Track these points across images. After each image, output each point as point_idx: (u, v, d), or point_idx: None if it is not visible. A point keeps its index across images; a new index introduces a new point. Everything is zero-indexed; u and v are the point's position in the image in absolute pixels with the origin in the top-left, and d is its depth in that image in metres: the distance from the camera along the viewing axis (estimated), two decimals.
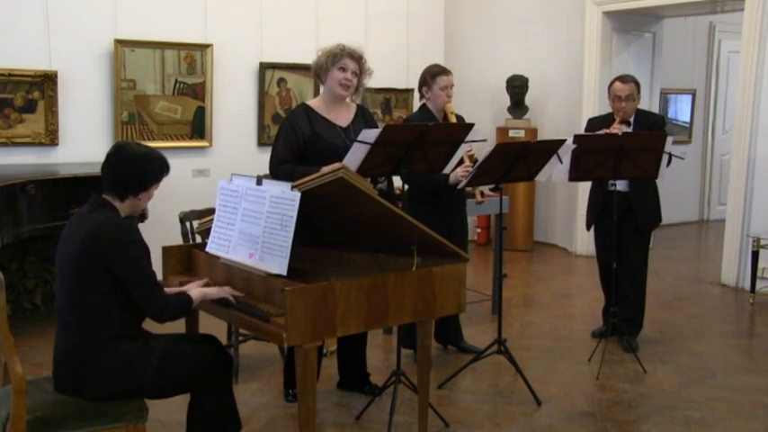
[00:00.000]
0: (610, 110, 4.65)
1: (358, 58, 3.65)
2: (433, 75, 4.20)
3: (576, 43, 7.51)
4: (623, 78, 4.55)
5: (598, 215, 4.64)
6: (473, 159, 4.02)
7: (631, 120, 4.54)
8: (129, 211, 2.76)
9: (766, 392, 4.02)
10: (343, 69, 3.61)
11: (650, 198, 4.61)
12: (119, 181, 2.69)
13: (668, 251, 7.84)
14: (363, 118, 3.79)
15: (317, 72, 3.69)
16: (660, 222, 4.74)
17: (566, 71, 7.68)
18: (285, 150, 3.59)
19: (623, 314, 4.64)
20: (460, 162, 3.92)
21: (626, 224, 4.57)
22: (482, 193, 4.27)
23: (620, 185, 4.51)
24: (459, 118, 4.26)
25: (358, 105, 3.84)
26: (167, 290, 2.83)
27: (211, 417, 2.81)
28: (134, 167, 2.70)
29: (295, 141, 3.58)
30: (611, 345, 4.51)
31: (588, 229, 4.83)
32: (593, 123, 4.69)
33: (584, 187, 7.20)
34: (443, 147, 3.57)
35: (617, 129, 4.38)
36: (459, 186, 4.00)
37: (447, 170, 3.77)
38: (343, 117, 3.72)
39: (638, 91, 4.54)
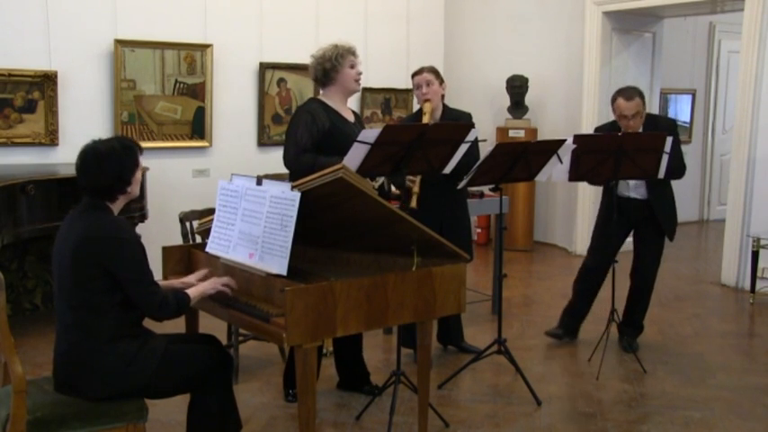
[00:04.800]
0: (610, 111, 4.60)
1: (356, 53, 3.75)
2: (411, 77, 4.28)
3: (576, 43, 7.51)
4: (627, 95, 4.32)
5: (607, 222, 4.53)
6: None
7: (640, 129, 4.42)
8: (122, 204, 2.75)
9: (766, 392, 4.02)
10: (354, 66, 3.70)
11: (670, 204, 4.56)
12: (101, 188, 2.66)
13: (668, 251, 7.74)
14: (357, 119, 3.88)
15: (328, 75, 3.68)
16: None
17: (566, 71, 7.68)
18: (306, 139, 3.57)
19: (626, 318, 4.66)
20: (434, 174, 3.90)
21: (644, 231, 4.57)
22: (418, 200, 3.99)
23: (637, 193, 4.49)
24: (465, 115, 4.24)
25: (351, 110, 3.89)
26: (164, 284, 2.83)
27: (211, 417, 2.81)
28: (107, 170, 2.64)
29: (316, 131, 3.59)
30: (611, 345, 4.51)
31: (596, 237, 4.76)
32: (602, 132, 4.59)
33: (585, 187, 7.24)
34: (443, 147, 3.58)
35: None
36: (460, 186, 4.00)
37: (447, 170, 3.77)
38: (348, 115, 3.79)
39: (643, 101, 4.37)
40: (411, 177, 3.92)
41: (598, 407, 3.82)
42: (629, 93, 4.35)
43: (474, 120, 4.14)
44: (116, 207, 2.71)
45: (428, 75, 4.19)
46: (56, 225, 4.45)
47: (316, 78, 3.78)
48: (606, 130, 4.55)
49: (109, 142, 2.74)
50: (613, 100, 4.42)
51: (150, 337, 2.73)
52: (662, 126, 4.48)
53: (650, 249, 4.60)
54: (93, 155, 2.67)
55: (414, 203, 3.89)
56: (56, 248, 2.68)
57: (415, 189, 3.94)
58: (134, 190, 2.75)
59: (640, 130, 4.39)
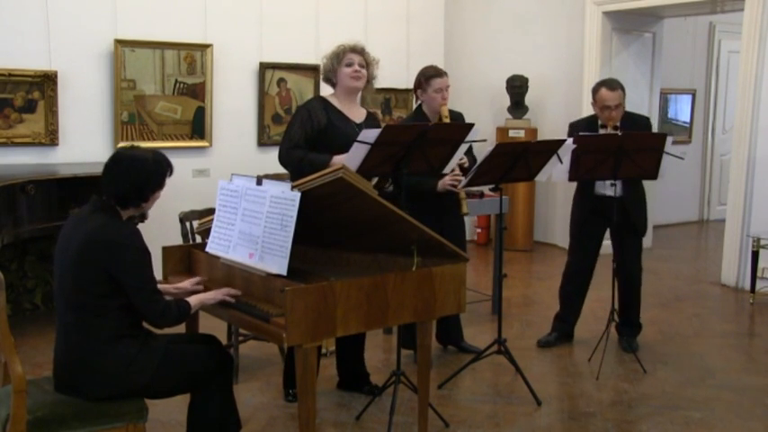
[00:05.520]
0: None
1: (360, 51, 3.75)
2: (427, 77, 4.16)
3: (576, 43, 7.51)
4: (611, 85, 4.36)
5: (585, 220, 4.61)
6: (464, 168, 4.01)
7: (618, 123, 4.43)
8: (130, 215, 2.75)
9: (766, 392, 4.02)
10: (350, 64, 3.69)
11: (642, 201, 4.58)
12: (118, 194, 2.66)
13: (668, 251, 7.83)
14: (370, 118, 3.86)
15: (327, 76, 3.78)
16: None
17: (566, 71, 7.68)
18: (299, 135, 3.63)
19: (622, 319, 4.65)
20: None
21: (622, 230, 4.55)
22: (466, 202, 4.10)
23: (613, 191, 4.48)
24: (458, 115, 4.25)
25: (368, 111, 3.91)
26: (162, 287, 2.83)
27: (211, 417, 2.82)
28: (130, 178, 2.65)
29: (310, 128, 3.63)
30: (611, 345, 4.51)
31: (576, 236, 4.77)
32: (577, 129, 4.57)
33: None
34: (443, 147, 3.58)
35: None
36: (459, 187, 4.01)
37: (447, 170, 3.78)
38: (355, 115, 3.79)
39: (624, 94, 4.40)
40: (454, 183, 3.94)
41: (598, 407, 3.82)
42: (612, 84, 4.38)
43: (474, 120, 4.13)
44: (124, 215, 2.71)
45: (447, 79, 4.17)
46: (56, 225, 4.47)
47: (325, 81, 3.84)
48: (582, 127, 4.57)
49: (145, 152, 2.74)
50: (595, 91, 4.42)
51: (150, 338, 2.73)
52: (639, 124, 4.52)
53: (631, 247, 4.59)
54: (124, 159, 2.69)
55: (465, 209, 3.93)
56: (59, 247, 2.68)
57: (462, 195, 3.95)
58: (147, 207, 2.77)
59: (618, 123, 4.40)
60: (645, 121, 4.65)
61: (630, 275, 4.61)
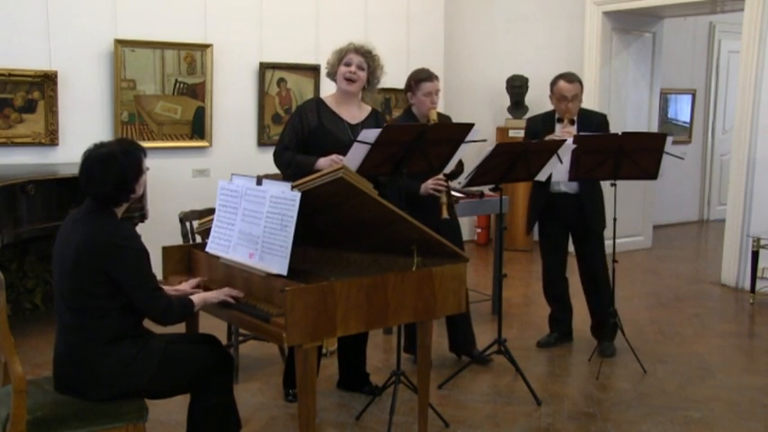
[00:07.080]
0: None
1: (365, 53, 3.71)
2: (417, 80, 4.12)
3: (575, 43, 7.51)
4: (569, 78, 4.40)
5: (541, 219, 4.60)
6: (447, 174, 3.97)
7: (575, 119, 4.42)
8: (126, 207, 2.75)
9: (766, 392, 4.02)
10: (348, 63, 3.68)
11: (598, 199, 4.54)
12: (104, 196, 2.64)
13: (668, 251, 7.84)
14: (376, 120, 3.81)
15: (329, 72, 3.79)
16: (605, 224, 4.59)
17: (566, 71, 7.67)
18: (290, 138, 3.69)
19: (595, 321, 4.62)
20: (433, 174, 3.86)
21: (579, 228, 4.53)
22: (449, 208, 3.98)
23: (569, 188, 4.46)
24: (447, 119, 4.22)
25: (373, 109, 3.88)
26: (166, 287, 2.83)
27: (211, 417, 2.81)
28: (110, 179, 2.61)
29: (300, 131, 3.67)
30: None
31: (529, 231, 4.81)
32: (534, 123, 4.61)
33: None
34: (443, 147, 3.58)
35: (567, 131, 4.28)
36: (460, 186, 4.00)
37: (447, 170, 3.77)
38: (353, 114, 3.76)
39: (582, 89, 4.44)
40: (438, 187, 3.90)
41: (598, 407, 3.82)
42: (571, 77, 4.44)
43: (474, 120, 4.12)
44: (120, 210, 2.71)
45: (438, 83, 4.15)
46: (56, 225, 4.45)
47: (329, 77, 3.85)
48: (539, 121, 4.59)
49: (111, 148, 2.68)
50: (554, 83, 4.45)
51: (150, 338, 2.72)
52: (595, 121, 4.50)
53: (592, 248, 4.54)
54: (95, 163, 2.64)
55: (445, 213, 3.89)
56: (56, 249, 2.68)
57: (444, 199, 3.93)
58: (138, 193, 2.75)
59: (575, 118, 4.41)
60: (601, 118, 4.60)
61: (596, 278, 4.53)
